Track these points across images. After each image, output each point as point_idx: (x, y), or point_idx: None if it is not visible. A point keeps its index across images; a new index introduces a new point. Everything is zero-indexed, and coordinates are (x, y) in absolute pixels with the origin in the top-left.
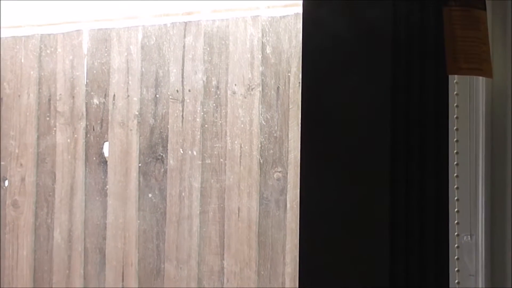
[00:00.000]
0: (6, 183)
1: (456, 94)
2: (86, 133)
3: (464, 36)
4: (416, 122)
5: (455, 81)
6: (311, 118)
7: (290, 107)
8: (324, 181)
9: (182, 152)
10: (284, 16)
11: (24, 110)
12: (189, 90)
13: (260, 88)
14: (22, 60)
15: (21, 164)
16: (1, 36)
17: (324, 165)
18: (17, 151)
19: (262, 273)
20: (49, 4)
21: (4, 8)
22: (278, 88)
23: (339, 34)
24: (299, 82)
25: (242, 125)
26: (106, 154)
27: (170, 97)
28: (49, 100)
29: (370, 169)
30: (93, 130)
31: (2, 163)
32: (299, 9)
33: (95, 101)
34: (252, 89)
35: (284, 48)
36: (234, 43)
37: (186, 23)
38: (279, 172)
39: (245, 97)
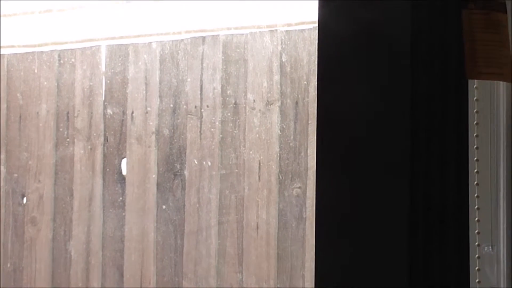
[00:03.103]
0: (25, 200)
1: (476, 100)
2: (104, 149)
3: (484, 39)
4: (435, 128)
5: (475, 86)
6: (327, 127)
7: (309, 122)
8: (340, 189)
9: (197, 163)
10: (302, 30)
11: (42, 126)
12: (207, 106)
13: (279, 103)
14: (40, 76)
15: (39, 180)
16: (20, 52)
17: (341, 173)
18: (35, 166)
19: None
20: (68, 24)
21: (23, 27)
22: (297, 102)
23: (356, 42)
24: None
25: (257, 135)
26: (124, 171)
27: (187, 107)
28: (67, 115)
29: (389, 177)
30: (110, 144)
31: (18, 176)
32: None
33: (113, 116)
34: (271, 104)
35: (303, 61)
36: (252, 56)
37: (204, 37)
38: (298, 188)
39: (263, 113)
